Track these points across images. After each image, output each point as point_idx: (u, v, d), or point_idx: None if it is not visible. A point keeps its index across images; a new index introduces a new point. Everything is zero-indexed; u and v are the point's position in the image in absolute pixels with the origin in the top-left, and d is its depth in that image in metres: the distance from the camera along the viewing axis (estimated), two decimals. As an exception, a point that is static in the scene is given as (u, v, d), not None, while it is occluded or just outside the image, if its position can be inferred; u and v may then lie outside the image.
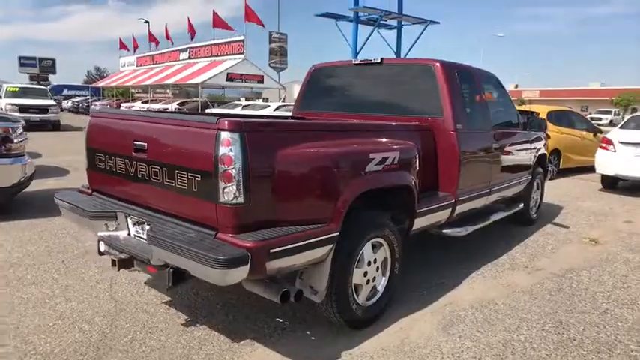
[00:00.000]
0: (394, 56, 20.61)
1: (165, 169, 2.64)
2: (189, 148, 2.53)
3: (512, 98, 5.54)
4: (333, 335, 3.07)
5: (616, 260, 4.75)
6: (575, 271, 4.38)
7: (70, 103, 38.25)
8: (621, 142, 8.02)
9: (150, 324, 3.15)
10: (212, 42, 25.34)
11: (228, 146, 2.33)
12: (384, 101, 4.35)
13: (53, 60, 52.18)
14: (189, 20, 27.89)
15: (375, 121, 3.71)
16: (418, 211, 3.46)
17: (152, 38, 32.84)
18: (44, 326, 3.07)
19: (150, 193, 2.80)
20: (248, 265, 2.27)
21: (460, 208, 4.06)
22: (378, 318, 3.25)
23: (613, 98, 39.35)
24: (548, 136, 6.27)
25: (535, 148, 5.68)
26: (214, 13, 25.32)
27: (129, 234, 3.00)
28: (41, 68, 50.58)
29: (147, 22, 38.00)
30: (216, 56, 24.98)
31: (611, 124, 34.14)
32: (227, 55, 24.13)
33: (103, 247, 3.08)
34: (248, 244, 2.29)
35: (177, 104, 24.06)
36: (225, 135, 2.34)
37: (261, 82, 24.71)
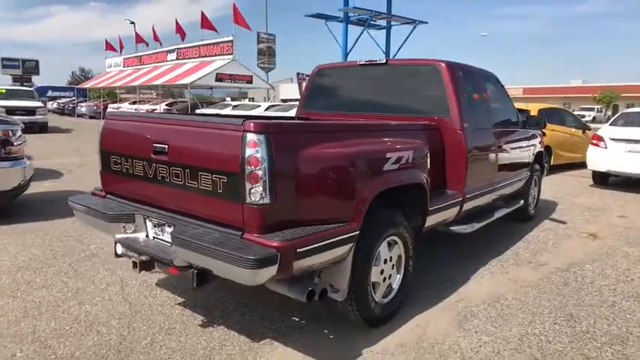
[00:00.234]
0: (384, 56, 20.73)
1: (187, 170, 2.64)
2: (214, 149, 2.53)
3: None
4: (351, 333, 3.10)
5: (616, 254, 4.86)
6: (579, 266, 4.48)
7: (55, 105, 37.71)
8: (612, 139, 8.19)
9: (167, 325, 3.15)
10: (200, 43, 25.17)
11: (255, 147, 2.35)
12: (390, 101, 4.40)
13: (36, 61, 51.34)
14: (177, 22, 27.66)
15: (386, 121, 3.75)
16: (430, 208, 3.51)
17: (139, 39, 32.44)
18: (61, 330, 3.05)
19: (170, 194, 2.80)
20: (277, 265, 2.29)
21: (467, 206, 4.12)
22: (394, 315, 3.29)
23: (595, 95, 40.11)
24: (543, 134, 6.38)
25: (533, 146, 5.78)
26: (202, 14, 25.20)
27: (147, 236, 2.99)
28: (24, 70, 49.72)
29: (132, 22, 37.66)
30: (204, 57, 24.81)
31: (594, 120, 34.78)
32: (216, 55, 23.99)
33: (120, 249, 3.08)
34: (276, 244, 2.31)
35: (166, 105, 23.90)
36: (251, 136, 2.36)
37: (250, 82, 24.62)
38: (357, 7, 17.91)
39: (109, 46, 36.34)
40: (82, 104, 33.90)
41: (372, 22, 18.91)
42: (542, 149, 6.18)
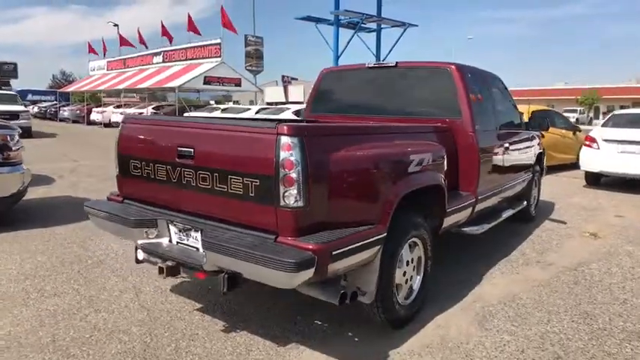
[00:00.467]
0: (374, 59, 20.85)
1: (216, 174, 2.62)
2: (246, 153, 2.51)
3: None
4: (374, 336, 3.10)
5: (619, 253, 4.97)
6: (585, 265, 4.56)
7: (36, 109, 36.96)
8: (605, 140, 8.37)
9: (189, 331, 3.11)
10: (188, 45, 25.00)
11: (289, 151, 2.34)
12: (399, 104, 4.43)
13: (14, 64, 50.16)
14: (162, 24, 27.42)
15: (403, 124, 3.77)
16: (447, 210, 3.55)
17: (124, 42, 32.07)
18: (81, 338, 2.99)
19: (196, 199, 2.77)
20: (314, 268, 2.29)
21: (479, 207, 4.17)
22: (415, 317, 3.30)
23: (578, 97, 41.04)
24: (542, 135, 6.49)
25: (534, 147, 5.88)
26: (189, 17, 25.03)
27: (170, 241, 2.95)
28: (2, 73, 48.54)
29: (116, 25, 37.21)
30: (192, 60, 24.64)
31: (577, 122, 35.49)
32: (203, 58, 23.85)
33: (141, 255, 3.04)
34: (313, 247, 2.31)
35: (153, 108, 23.64)
36: (285, 139, 2.35)
37: (239, 85, 24.51)
38: (349, 10, 18.00)
39: (92, 49, 35.86)
40: (65, 108, 33.33)
41: (362, 25, 19.02)
42: (542, 150, 6.29)
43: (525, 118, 6.07)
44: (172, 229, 2.91)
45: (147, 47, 28.65)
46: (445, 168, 3.48)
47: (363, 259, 2.68)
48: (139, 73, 28.17)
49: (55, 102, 37.49)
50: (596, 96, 39.77)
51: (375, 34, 20.65)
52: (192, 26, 24.80)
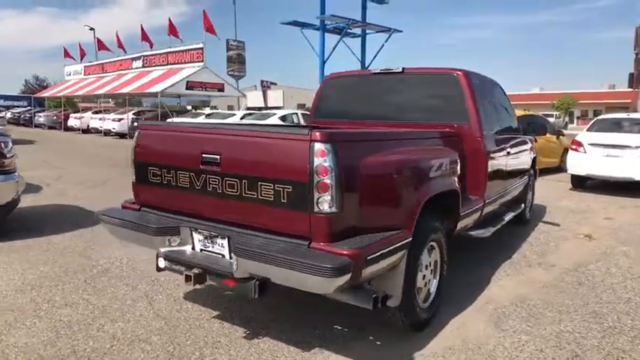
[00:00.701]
0: (359, 64, 21.05)
1: (245, 181, 2.62)
2: (278, 159, 2.52)
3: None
4: (395, 339, 3.13)
5: (615, 254, 5.13)
6: (585, 266, 4.70)
7: (9, 115, 35.92)
8: (591, 144, 8.65)
9: (211, 339, 3.09)
10: (169, 50, 24.74)
11: (323, 157, 2.37)
12: (406, 110, 4.49)
13: (-16, 69, 48.74)
14: (142, 29, 27.10)
15: (419, 129, 3.82)
16: (461, 213, 3.62)
17: (101, 46, 31.56)
18: (102, 349, 2.94)
19: (222, 206, 2.76)
20: (351, 273, 2.31)
21: (486, 210, 4.26)
22: (432, 320, 3.35)
23: (554, 102, 42.24)
24: (536, 140, 6.66)
25: (530, 151, 6.04)
26: (170, 21, 24.82)
27: (193, 248, 2.93)
28: (-28, 78, 47.07)
29: (92, 29, 36.54)
30: (173, 64, 24.40)
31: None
32: (185, 63, 23.64)
33: (162, 263, 3.00)
34: (349, 252, 2.33)
35: (134, 114, 23.25)
36: (319, 146, 2.37)
37: (222, 90, 24.38)
38: (335, 15, 18.13)
39: (68, 54, 35.16)
40: (41, 114, 32.51)
41: (348, 30, 19.19)
42: (535, 155, 6.46)
43: None
44: (196, 236, 2.89)
45: (125, 52, 28.24)
46: (459, 172, 3.56)
47: (391, 263, 2.71)
48: (118, 78, 27.74)
49: (29, 107, 36.51)
50: (572, 101, 41.08)
51: (359, 39, 20.88)
52: (173, 30, 24.56)
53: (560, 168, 11.60)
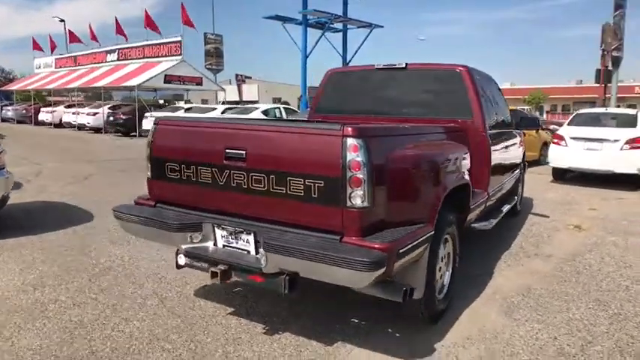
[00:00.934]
0: (341, 59, 21.08)
1: (272, 176, 2.60)
2: (308, 154, 2.51)
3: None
4: (412, 331, 3.18)
5: (605, 243, 5.33)
6: (580, 255, 4.87)
7: (-28, 108, 34.44)
8: (572, 138, 8.92)
9: (232, 336, 3.07)
10: (145, 43, 24.14)
11: (356, 152, 2.37)
12: (409, 105, 4.53)
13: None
14: (117, 21, 26.37)
15: (433, 125, 3.86)
16: (471, 206, 3.69)
17: (73, 38, 30.56)
18: (121, 349, 2.88)
19: (247, 201, 2.74)
20: (385, 266, 2.33)
21: (489, 203, 4.36)
22: (446, 311, 3.42)
23: (525, 97, 43.35)
24: (524, 134, 6.83)
25: (520, 145, 6.18)
26: (146, 13, 24.21)
27: (215, 244, 2.90)
28: None
29: (62, 20, 35.34)
30: (149, 58, 23.84)
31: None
32: (163, 56, 23.11)
33: (183, 260, 2.96)
34: (383, 246, 2.35)
35: (109, 108, 22.63)
36: (352, 141, 2.38)
37: (200, 84, 23.98)
38: (317, 10, 18.07)
39: (37, 46, 33.92)
40: (9, 107, 31.26)
41: (330, 25, 19.14)
42: (524, 148, 6.62)
43: None
44: (219, 232, 2.86)
45: (100, 44, 27.46)
46: (469, 166, 3.62)
47: (415, 256, 2.75)
48: (92, 71, 26.94)
49: (-6, 101, 35.08)
50: (543, 96, 42.30)
51: (340, 34, 20.88)
52: (150, 23, 23.97)
53: (539, 161, 11.93)
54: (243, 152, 2.69)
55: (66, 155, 13.54)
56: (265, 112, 16.42)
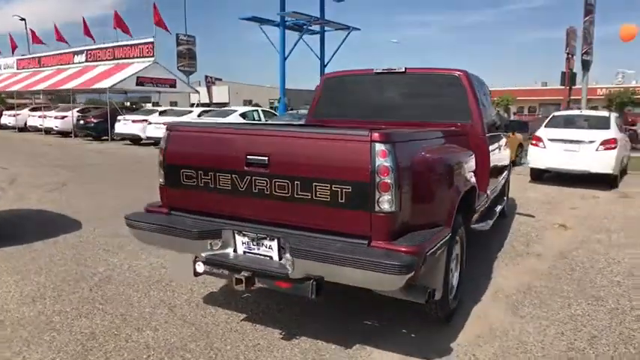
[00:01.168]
0: (318, 61, 21.11)
1: (297, 182, 2.61)
2: (334, 160, 2.53)
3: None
4: (426, 331, 3.24)
5: (591, 241, 5.56)
6: (569, 253, 5.06)
7: None
8: (550, 139, 9.25)
9: (250, 342, 3.05)
10: (116, 44, 23.56)
11: (385, 157, 2.41)
12: (408, 109, 4.61)
13: None
14: (84, 21, 25.65)
15: (441, 129, 3.93)
16: (476, 208, 3.79)
17: (36, 38, 29.53)
18: (139, 359, 2.82)
19: (269, 207, 2.73)
20: (415, 269, 2.38)
21: (487, 204, 4.48)
22: (456, 310, 3.50)
23: (495, 99, 44.55)
24: (511, 136, 7.04)
25: (507, 146, 6.38)
26: (116, 13, 23.65)
27: (235, 251, 2.88)
28: None
29: (23, 19, 34.09)
30: (120, 59, 23.28)
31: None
32: (134, 58, 22.60)
33: (202, 267, 2.93)
34: (412, 249, 2.40)
35: (78, 111, 21.95)
36: (380, 146, 2.42)
37: (174, 86, 23.56)
38: (296, 12, 18.04)
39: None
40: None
41: (308, 27, 19.15)
42: (509, 150, 6.82)
43: None
44: (239, 238, 2.84)
45: (69, 45, 26.62)
46: (474, 168, 3.72)
47: (437, 258, 2.81)
48: (58, 73, 26.07)
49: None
50: (512, 98, 43.60)
51: (317, 36, 20.92)
52: (119, 23, 23.42)
53: (515, 162, 12.30)
54: (266, 158, 2.69)
55: (37, 161, 13.06)
56: (243, 115, 16.29)
